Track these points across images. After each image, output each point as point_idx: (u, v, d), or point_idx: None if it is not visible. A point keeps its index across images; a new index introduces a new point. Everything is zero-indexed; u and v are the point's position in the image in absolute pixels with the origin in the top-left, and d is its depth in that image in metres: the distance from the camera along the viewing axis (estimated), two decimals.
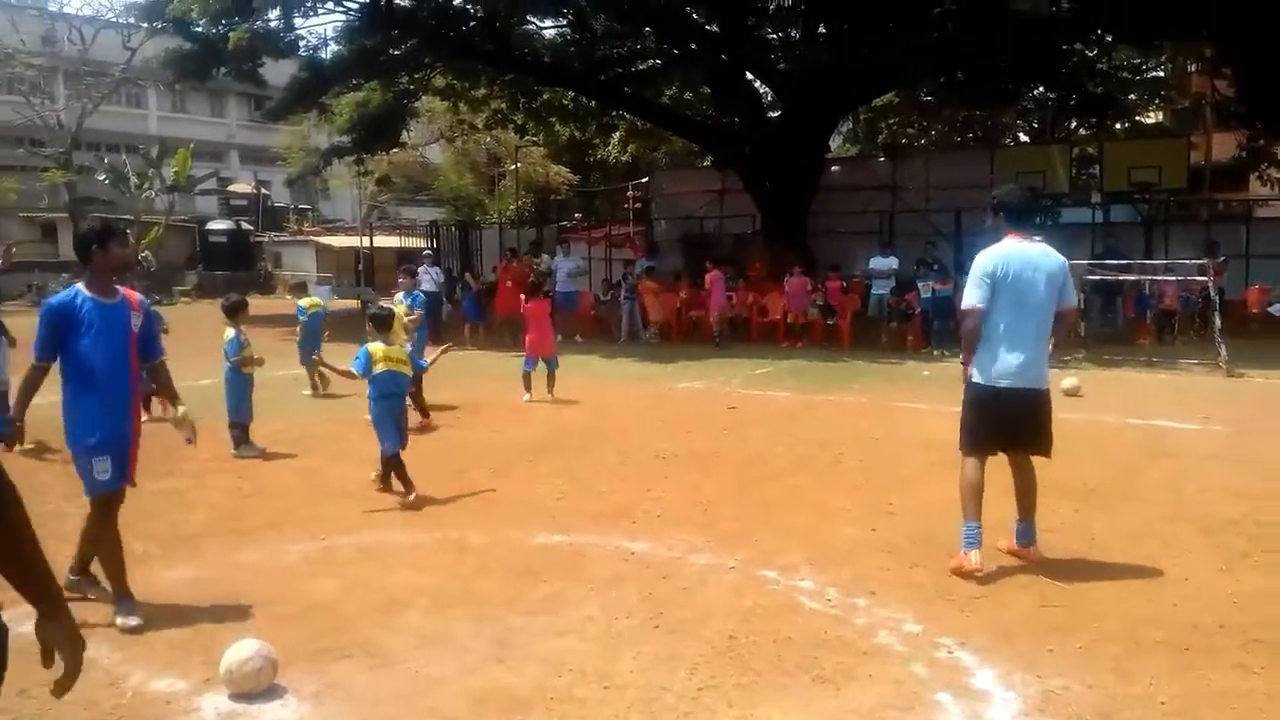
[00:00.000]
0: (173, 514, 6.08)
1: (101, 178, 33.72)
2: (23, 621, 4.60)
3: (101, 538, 4.59)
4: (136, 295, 4.85)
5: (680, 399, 11.30)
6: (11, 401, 5.21)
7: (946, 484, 6.81)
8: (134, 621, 4.38)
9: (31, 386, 4.60)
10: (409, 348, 9.46)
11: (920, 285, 16.37)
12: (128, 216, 32.89)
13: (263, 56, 19.42)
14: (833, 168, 23.16)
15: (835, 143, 28.59)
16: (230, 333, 8.32)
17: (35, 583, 1.75)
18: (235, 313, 8.54)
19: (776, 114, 22.61)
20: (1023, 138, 31.68)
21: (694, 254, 22.29)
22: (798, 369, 13.90)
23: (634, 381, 12.75)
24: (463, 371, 13.54)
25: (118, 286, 4.71)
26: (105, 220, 5.40)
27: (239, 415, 8.12)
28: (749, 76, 21.70)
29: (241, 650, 3.64)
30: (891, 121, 30.92)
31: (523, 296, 11.60)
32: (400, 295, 10.23)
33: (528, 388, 10.73)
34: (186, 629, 4.32)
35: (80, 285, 4.61)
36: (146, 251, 31.10)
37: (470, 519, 6.10)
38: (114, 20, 33.54)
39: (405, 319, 9.82)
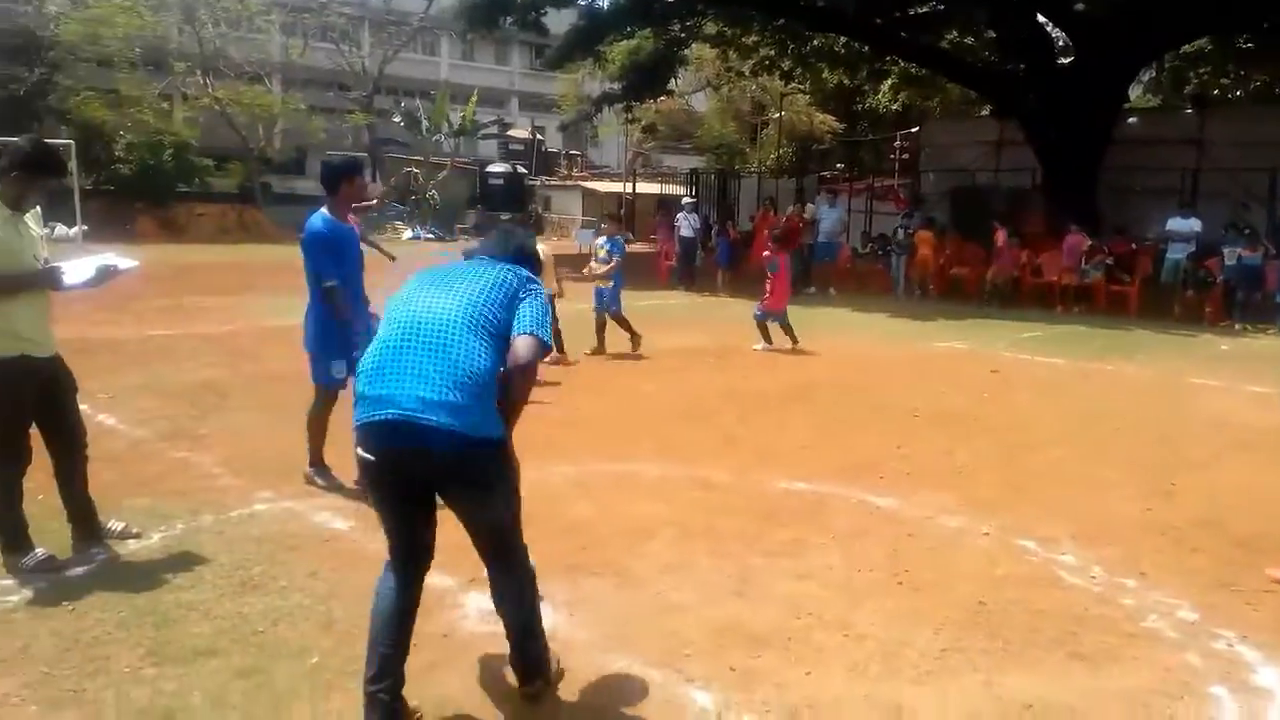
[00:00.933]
0: None
1: (398, 120, 36.64)
2: (319, 511, 5.14)
3: (317, 420, 5.37)
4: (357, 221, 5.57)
5: (938, 358, 10.86)
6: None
7: (1239, 467, 6.20)
8: (321, 482, 5.30)
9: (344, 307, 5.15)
10: (606, 290, 9.99)
11: (1225, 251, 14.69)
12: (418, 157, 35.66)
13: (545, 6, 20.22)
14: (1129, 119, 21.07)
15: (1134, 92, 25.98)
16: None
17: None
18: None
19: (1068, 60, 20.86)
20: None
21: (963, 208, 21.15)
22: (1073, 335, 12.95)
23: (889, 338, 12.38)
24: (714, 317, 13.72)
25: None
26: (351, 156, 6.01)
27: None
28: (1040, 19, 20.11)
29: None
30: (1203, 71, 27.57)
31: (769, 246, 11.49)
32: (602, 240, 10.47)
33: (765, 337, 10.75)
34: (457, 534, 4.69)
35: (324, 211, 5.23)
36: (433, 191, 33.56)
37: (716, 459, 6.20)
38: None
39: (600, 265, 10.11)
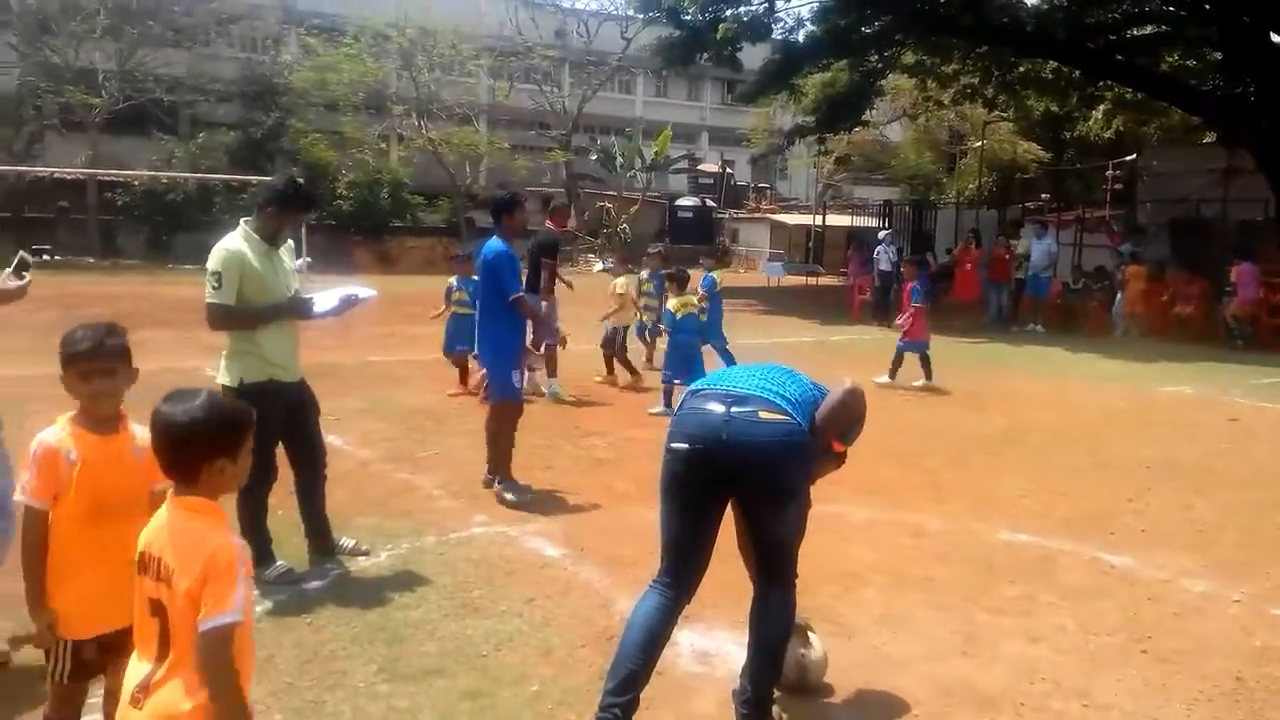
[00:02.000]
0: (645, 462, 6.64)
1: (593, 158, 37.75)
2: (532, 538, 5.23)
3: (507, 435, 5.74)
4: None
5: (1165, 404, 10.06)
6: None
7: None
8: (511, 498, 5.55)
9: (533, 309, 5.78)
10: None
11: None
12: (612, 192, 36.58)
13: (741, 41, 20.33)
14: None
15: None
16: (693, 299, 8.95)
17: None
18: (684, 285, 9.13)
19: None
20: None
21: (1185, 241, 19.64)
22: None
23: (1105, 380, 11.58)
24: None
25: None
26: (514, 190, 6.25)
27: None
28: (1274, 38, 18.51)
29: None
30: None
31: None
32: (645, 273, 10.89)
33: (893, 374, 10.43)
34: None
35: (496, 239, 5.71)
36: (625, 225, 34.29)
37: (927, 504, 5.96)
38: (615, 13, 37.33)
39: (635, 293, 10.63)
